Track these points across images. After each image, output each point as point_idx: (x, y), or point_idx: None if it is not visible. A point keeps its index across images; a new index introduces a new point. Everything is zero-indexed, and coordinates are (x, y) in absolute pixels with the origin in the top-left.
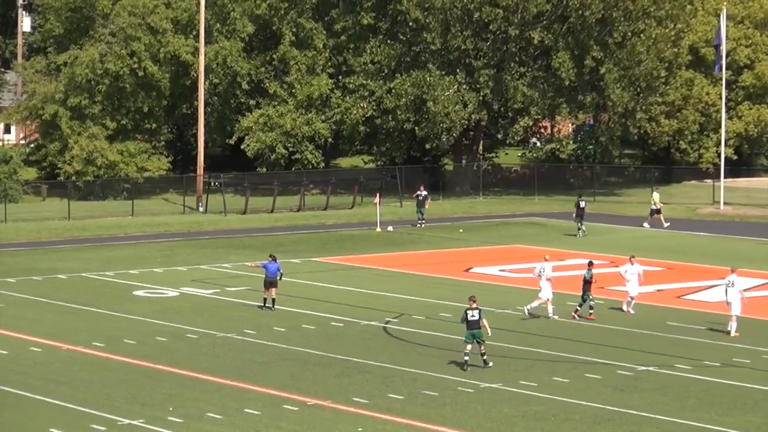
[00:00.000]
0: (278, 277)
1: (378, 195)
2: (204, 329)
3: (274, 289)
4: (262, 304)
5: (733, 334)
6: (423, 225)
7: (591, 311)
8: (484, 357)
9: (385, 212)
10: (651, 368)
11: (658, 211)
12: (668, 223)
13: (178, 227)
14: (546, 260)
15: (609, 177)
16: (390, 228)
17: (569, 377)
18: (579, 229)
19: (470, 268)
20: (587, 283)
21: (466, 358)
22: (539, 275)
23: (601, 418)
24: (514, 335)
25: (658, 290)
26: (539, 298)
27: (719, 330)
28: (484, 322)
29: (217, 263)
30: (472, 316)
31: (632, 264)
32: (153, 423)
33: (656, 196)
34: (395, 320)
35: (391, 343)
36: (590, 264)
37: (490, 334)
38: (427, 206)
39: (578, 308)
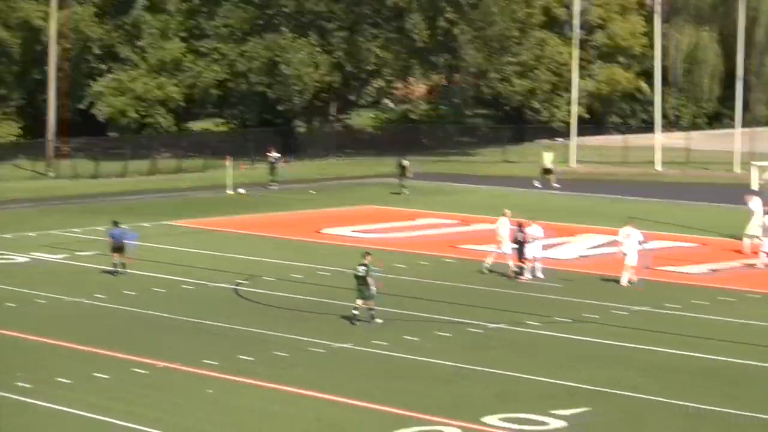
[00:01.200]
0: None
1: (229, 158)
2: (53, 294)
3: (120, 254)
4: (112, 269)
5: (623, 283)
6: (275, 187)
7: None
8: (372, 312)
9: (236, 175)
10: (501, 325)
11: (549, 171)
12: (558, 185)
13: (28, 193)
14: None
15: (462, 137)
16: (242, 191)
17: (420, 336)
18: (402, 187)
19: (322, 229)
20: (520, 244)
21: (355, 312)
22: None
23: (453, 375)
24: None
25: (513, 249)
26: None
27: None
28: (370, 278)
29: (67, 228)
30: (358, 271)
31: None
32: (0, 389)
33: (547, 155)
34: (246, 282)
35: (242, 305)
36: (520, 225)
37: (375, 290)
38: (279, 168)
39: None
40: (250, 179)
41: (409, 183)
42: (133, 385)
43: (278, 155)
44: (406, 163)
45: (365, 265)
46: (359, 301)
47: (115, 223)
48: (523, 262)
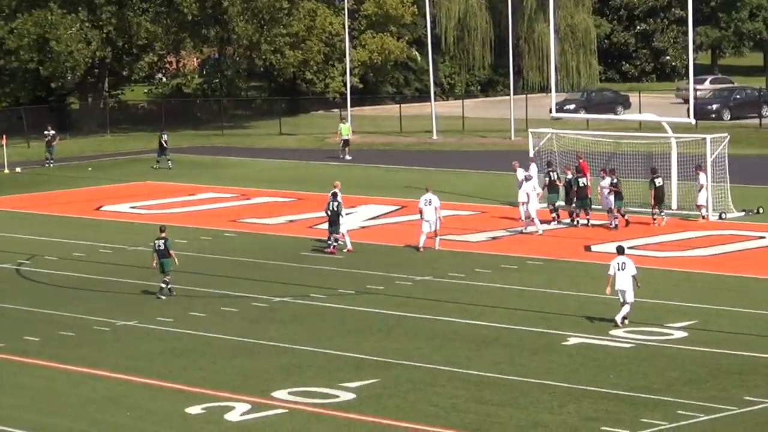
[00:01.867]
0: None
1: (4, 136)
2: None
3: None
4: None
5: (420, 247)
6: (52, 165)
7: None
8: (168, 286)
9: (12, 153)
10: (286, 299)
11: (347, 143)
12: (350, 157)
13: None
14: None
15: (236, 110)
16: (18, 169)
17: (205, 311)
18: (158, 162)
19: (101, 206)
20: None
21: (162, 285)
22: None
23: (238, 350)
24: (148, 272)
25: (290, 221)
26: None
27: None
28: (172, 252)
29: None
30: (159, 246)
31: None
32: None
33: (344, 127)
34: (28, 262)
35: (25, 286)
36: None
37: (177, 263)
38: (54, 145)
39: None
40: (26, 157)
41: (172, 156)
42: None
43: (54, 132)
44: (165, 137)
45: (165, 238)
46: (166, 277)
47: None
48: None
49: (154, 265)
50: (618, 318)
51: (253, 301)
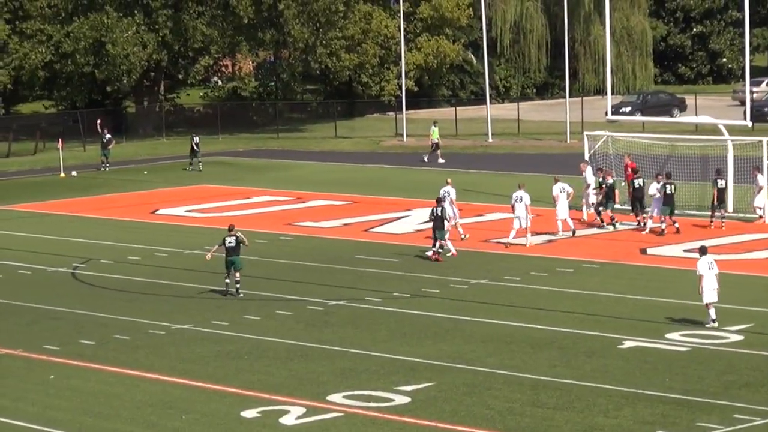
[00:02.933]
0: None
1: (60, 140)
2: None
3: None
4: None
5: (508, 242)
6: (107, 168)
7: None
8: (238, 285)
9: (67, 157)
10: (341, 302)
11: (437, 146)
12: (443, 160)
13: None
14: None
15: (292, 113)
16: (74, 173)
17: (261, 315)
18: (190, 164)
19: (156, 210)
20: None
21: (227, 281)
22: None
23: (294, 354)
24: (203, 275)
25: (345, 224)
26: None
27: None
28: (245, 240)
29: None
30: (230, 243)
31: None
32: None
33: (434, 129)
34: (83, 266)
35: (81, 289)
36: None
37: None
38: (110, 148)
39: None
40: (82, 161)
41: (204, 159)
42: None
43: (110, 136)
44: (197, 140)
45: (235, 235)
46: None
47: None
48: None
49: (208, 257)
50: (713, 315)
51: (309, 305)
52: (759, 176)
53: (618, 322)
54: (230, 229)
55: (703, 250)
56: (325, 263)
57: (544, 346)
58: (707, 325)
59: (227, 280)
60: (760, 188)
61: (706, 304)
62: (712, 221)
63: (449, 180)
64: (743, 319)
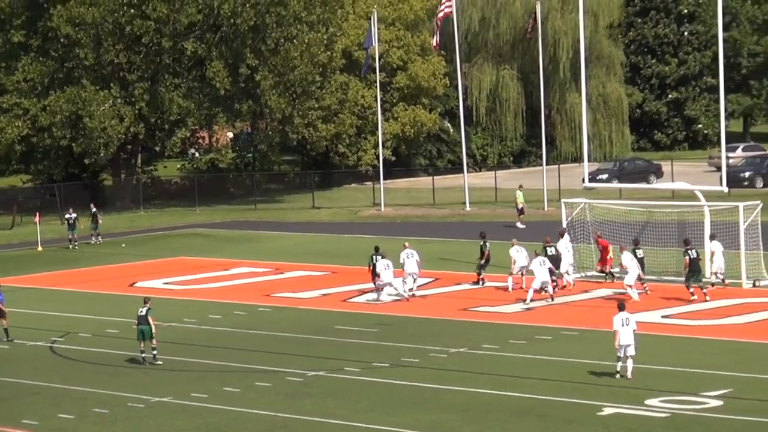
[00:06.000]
0: None
1: (38, 214)
2: None
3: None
4: None
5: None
6: (100, 241)
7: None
8: (155, 352)
9: (45, 230)
10: (321, 373)
11: (522, 211)
12: (523, 226)
13: None
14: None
15: (269, 184)
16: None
17: (240, 386)
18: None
19: (135, 283)
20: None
21: (142, 355)
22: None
23: (274, 425)
24: (182, 348)
25: (324, 294)
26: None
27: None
28: (151, 319)
29: None
30: (141, 312)
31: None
32: None
33: (519, 194)
34: (62, 339)
35: (59, 363)
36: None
37: (155, 331)
38: (99, 221)
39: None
40: (60, 234)
41: (182, 231)
42: None
43: (75, 215)
44: (93, 209)
45: (148, 307)
46: (141, 344)
47: None
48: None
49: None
50: (619, 367)
51: (288, 376)
52: (714, 242)
53: (597, 389)
54: (145, 300)
55: (621, 306)
56: (304, 334)
57: (523, 414)
58: (616, 377)
59: (142, 348)
60: (712, 253)
61: (618, 357)
62: (691, 290)
63: (407, 243)
64: (722, 384)
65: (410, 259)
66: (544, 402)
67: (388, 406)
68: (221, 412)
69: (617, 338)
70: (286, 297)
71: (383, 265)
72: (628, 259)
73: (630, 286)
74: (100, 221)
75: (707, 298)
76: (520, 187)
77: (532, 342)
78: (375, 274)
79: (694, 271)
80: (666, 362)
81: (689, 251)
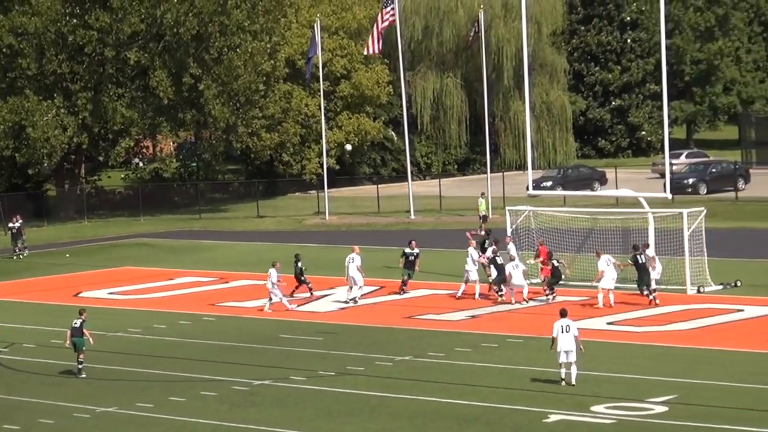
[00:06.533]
0: None
1: None
2: None
3: None
4: None
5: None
6: (25, 254)
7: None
8: (81, 366)
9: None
10: (267, 382)
11: (485, 219)
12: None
13: None
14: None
15: (214, 193)
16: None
17: (186, 396)
18: (21, 249)
19: (79, 293)
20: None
21: (79, 366)
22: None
23: None
24: (127, 357)
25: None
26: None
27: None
28: (86, 331)
29: None
30: (75, 324)
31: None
32: None
33: (482, 201)
34: (6, 350)
35: (3, 374)
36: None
37: (92, 342)
38: (24, 235)
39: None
40: (4, 245)
41: (127, 241)
42: None
43: (18, 224)
44: (18, 223)
45: (83, 319)
46: (81, 356)
47: None
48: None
49: (68, 344)
50: (562, 375)
51: (234, 385)
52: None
53: (544, 396)
54: (80, 312)
55: (562, 313)
56: (250, 343)
57: (471, 421)
58: (561, 384)
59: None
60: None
61: (560, 363)
62: (646, 295)
63: (356, 248)
64: (667, 390)
65: (351, 264)
66: (491, 409)
67: (334, 414)
68: (167, 422)
69: (555, 344)
70: (231, 306)
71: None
72: (604, 263)
73: (608, 290)
74: (24, 236)
75: (657, 302)
76: (483, 194)
77: (479, 349)
78: (300, 282)
79: (642, 276)
80: (611, 369)
81: (638, 256)
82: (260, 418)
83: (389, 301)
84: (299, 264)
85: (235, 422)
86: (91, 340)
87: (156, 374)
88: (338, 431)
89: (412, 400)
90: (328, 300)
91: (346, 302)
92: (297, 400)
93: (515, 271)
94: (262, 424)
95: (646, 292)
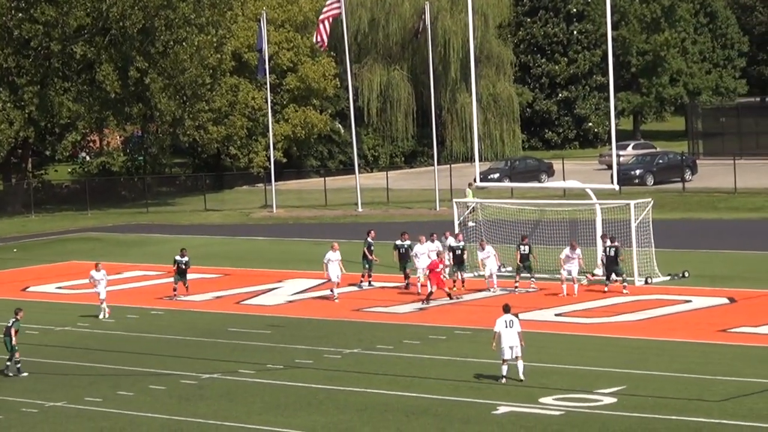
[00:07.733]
0: None
1: None
2: None
3: None
4: None
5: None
6: None
7: None
8: (18, 365)
9: None
10: (215, 375)
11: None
12: (473, 224)
13: None
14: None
15: (161, 187)
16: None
17: (134, 390)
18: None
19: (27, 287)
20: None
21: (18, 365)
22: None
23: (168, 428)
24: (75, 352)
25: (217, 297)
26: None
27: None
28: (13, 331)
29: None
30: (8, 323)
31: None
32: None
33: (469, 192)
34: None
35: None
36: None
37: (14, 343)
38: None
39: None
40: None
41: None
42: None
43: None
44: None
45: (16, 319)
46: (17, 355)
47: None
48: None
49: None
50: (504, 371)
51: (182, 379)
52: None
53: (492, 388)
54: (16, 312)
55: (505, 308)
56: (198, 337)
57: (419, 414)
58: (501, 382)
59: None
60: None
61: (503, 360)
62: (622, 283)
63: (335, 245)
64: (615, 381)
65: (333, 262)
66: (439, 401)
67: (283, 407)
68: (115, 416)
69: (496, 339)
70: (179, 300)
71: None
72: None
73: (572, 280)
74: None
75: (625, 291)
76: (470, 185)
77: (427, 342)
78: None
79: (609, 266)
80: (559, 360)
81: (608, 249)
82: (209, 412)
83: (340, 293)
84: (185, 258)
85: (183, 416)
86: (14, 341)
87: (104, 368)
88: (287, 424)
89: (361, 392)
90: (276, 293)
91: (336, 299)
92: (245, 393)
93: (488, 260)
94: (210, 418)
95: (618, 279)
